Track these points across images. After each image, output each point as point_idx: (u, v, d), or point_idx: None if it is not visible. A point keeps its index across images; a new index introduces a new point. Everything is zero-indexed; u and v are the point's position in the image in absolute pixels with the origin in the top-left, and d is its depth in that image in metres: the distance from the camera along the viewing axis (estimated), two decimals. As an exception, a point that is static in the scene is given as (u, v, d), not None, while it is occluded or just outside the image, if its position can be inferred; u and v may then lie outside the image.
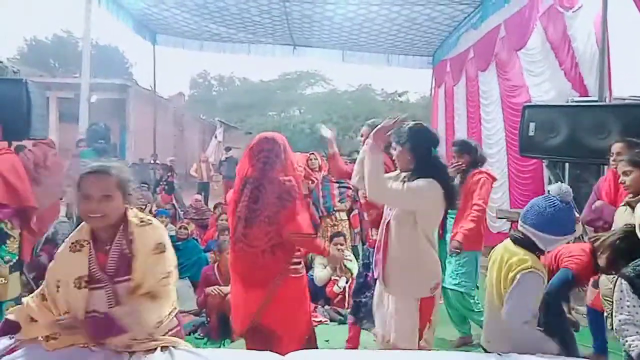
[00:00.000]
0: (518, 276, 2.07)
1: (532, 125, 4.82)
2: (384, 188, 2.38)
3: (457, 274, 3.88)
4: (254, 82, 29.17)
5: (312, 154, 6.24)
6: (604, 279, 2.99)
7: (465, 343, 3.93)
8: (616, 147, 3.43)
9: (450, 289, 3.89)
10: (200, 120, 24.34)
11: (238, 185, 2.80)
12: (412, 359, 1.96)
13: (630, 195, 2.86)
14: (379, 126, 2.41)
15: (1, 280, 3.55)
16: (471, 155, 4.00)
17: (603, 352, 3.32)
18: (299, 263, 2.84)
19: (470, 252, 3.84)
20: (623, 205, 2.93)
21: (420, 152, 2.48)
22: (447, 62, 9.51)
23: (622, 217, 2.89)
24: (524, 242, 2.17)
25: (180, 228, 5.64)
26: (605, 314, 2.98)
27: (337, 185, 6.15)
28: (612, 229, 3.00)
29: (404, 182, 2.47)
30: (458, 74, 8.94)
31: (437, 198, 2.44)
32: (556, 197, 2.14)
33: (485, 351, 2.30)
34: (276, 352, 1.97)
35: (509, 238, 2.27)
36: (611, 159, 3.46)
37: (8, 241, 3.66)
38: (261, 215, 2.66)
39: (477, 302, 3.82)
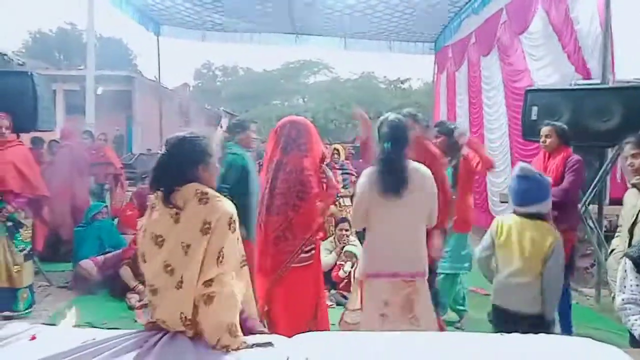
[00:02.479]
0: (554, 245, 2.47)
1: (534, 109, 4.81)
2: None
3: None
4: (258, 71, 29.13)
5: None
6: (611, 260, 3.04)
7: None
8: (544, 130, 3.69)
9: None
10: (205, 111, 24.35)
11: (265, 170, 2.80)
12: (415, 340, 2.01)
13: (638, 177, 2.88)
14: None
15: (17, 268, 3.66)
16: (447, 137, 3.89)
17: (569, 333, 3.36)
18: (309, 251, 2.75)
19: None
20: (631, 187, 2.97)
21: (376, 142, 2.70)
22: (449, 48, 9.46)
23: (630, 199, 2.94)
24: (535, 215, 2.55)
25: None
26: (612, 294, 3.02)
27: (341, 171, 6.25)
28: (622, 210, 3.06)
29: None
30: (460, 59, 8.90)
31: (366, 182, 2.62)
32: (518, 176, 2.58)
33: (495, 307, 2.64)
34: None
35: (515, 214, 2.62)
36: (541, 140, 3.70)
37: (21, 230, 3.76)
38: (276, 203, 2.66)
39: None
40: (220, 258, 1.81)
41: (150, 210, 1.94)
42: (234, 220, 1.87)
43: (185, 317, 1.79)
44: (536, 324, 2.41)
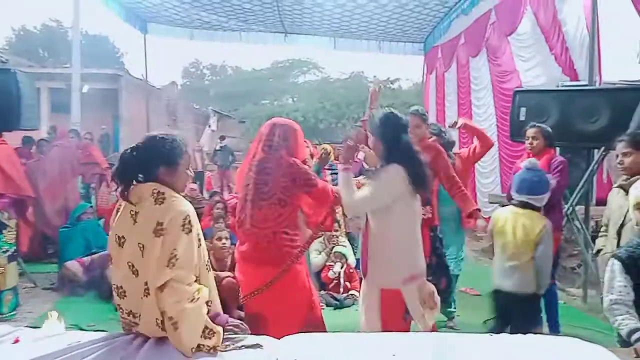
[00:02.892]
0: (544, 231, 2.75)
1: (522, 110, 4.85)
2: (352, 201, 2.48)
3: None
4: (247, 70, 29.12)
5: (304, 141, 6.34)
6: (600, 261, 3.06)
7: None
8: (530, 132, 3.72)
9: None
10: (194, 110, 24.22)
11: (245, 169, 2.76)
12: (405, 340, 2.01)
13: (624, 178, 2.89)
14: (345, 147, 2.62)
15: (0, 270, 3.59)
16: (439, 138, 3.97)
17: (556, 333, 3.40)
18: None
19: None
20: (616, 187, 2.99)
21: (387, 138, 2.52)
22: (439, 49, 9.50)
23: (615, 199, 2.95)
24: (528, 206, 2.84)
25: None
26: (601, 295, 3.05)
27: (330, 172, 6.23)
28: (605, 210, 3.09)
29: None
30: (449, 60, 8.95)
31: (398, 183, 2.42)
32: (527, 168, 2.91)
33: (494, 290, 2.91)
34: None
35: (512, 205, 2.95)
36: (527, 142, 3.74)
37: (5, 231, 3.70)
38: (272, 198, 2.61)
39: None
40: (173, 260, 1.72)
41: (115, 212, 1.92)
42: (189, 221, 1.79)
43: (162, 322, 1.75)
44: (528, 303, 2.82)
